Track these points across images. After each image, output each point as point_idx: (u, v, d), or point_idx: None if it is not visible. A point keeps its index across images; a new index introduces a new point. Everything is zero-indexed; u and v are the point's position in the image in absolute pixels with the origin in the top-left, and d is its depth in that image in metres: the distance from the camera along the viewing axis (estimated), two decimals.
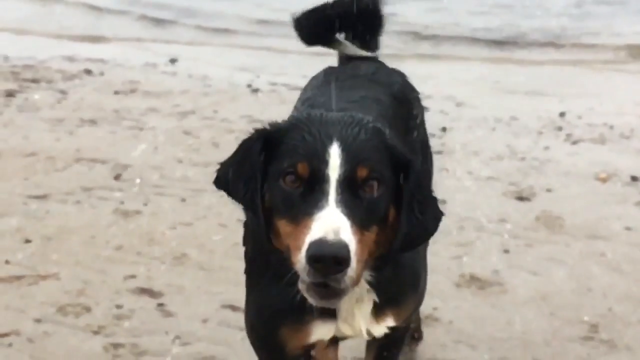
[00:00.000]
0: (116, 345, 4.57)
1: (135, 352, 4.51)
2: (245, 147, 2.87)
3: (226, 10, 14.47)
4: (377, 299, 3.01)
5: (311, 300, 2.64)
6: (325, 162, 2.65)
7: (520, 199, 6.45)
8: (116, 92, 9.58)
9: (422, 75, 9.69)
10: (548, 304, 4.99)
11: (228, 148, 7.96)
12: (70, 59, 11.31)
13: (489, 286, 5.18)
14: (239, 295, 5.06)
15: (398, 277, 3.04)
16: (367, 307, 3.03)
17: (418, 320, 4.58)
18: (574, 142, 7.84)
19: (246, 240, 3.43)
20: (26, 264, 5.43)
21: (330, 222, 2.53)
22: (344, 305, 2.96)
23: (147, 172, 6.98)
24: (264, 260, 3.03)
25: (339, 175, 2.62)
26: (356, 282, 2.61)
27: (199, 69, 10.85)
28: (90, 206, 6.34)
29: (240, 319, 4.83)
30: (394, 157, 2.77)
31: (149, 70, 10.85)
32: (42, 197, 6.48)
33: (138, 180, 6.81)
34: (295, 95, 9.74)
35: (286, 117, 8.80)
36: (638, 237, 5.84)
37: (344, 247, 2.49)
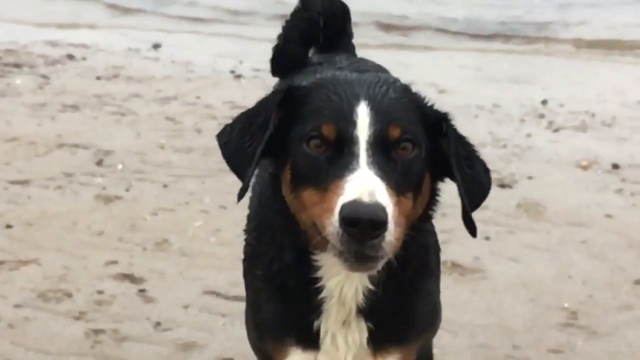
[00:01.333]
0: (97, 331, 4.56)
1: (116, 337, 4.51)
2: (262, 102, 2.65)
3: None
4: (370, 325, 2.72)
5: (345, 266, 2.37)
6: (352, 123, 2.41)
7: (502, 186, 6.47)
8: (98, 78, 9.55)
9: (404, 63, 9.72)
10: (528, 291, 5.01)
11: (210, 134, 7.97)
12: (53, 44, 11.26)
13: (470, 273, 5.20)
14: (221, 281, 5.10)
15: (410, 302, 2.78)
16: (357, 335, 2.74)
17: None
18: (556, 130, 7.87)
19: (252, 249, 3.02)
20: (7, 250, 5.42)
21: (365, 183, 2.30)
22: (330, 327, 2.73)
23: (129, 158, 6.96)
24: (263, 264, 2.80)
25: (369, 137, 2.40)
26: (395, 249, 2.35)
27: (182, 54, 10.83)
28: (71, 192, 6.32)
29: (221, 304, 4.85)
30: (426, 117, 2.55)
31: (132, 55, 10.82)
32: (24, 183, 6.46)
33: (120, 166, 6.80)
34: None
35: None
36: (618, 224, 5.87)
37: (381, 208, 2.24)
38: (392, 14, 12.76)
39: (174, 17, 13.82)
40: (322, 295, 2.68)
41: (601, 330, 4.63)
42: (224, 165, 7.28)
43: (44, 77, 9.53)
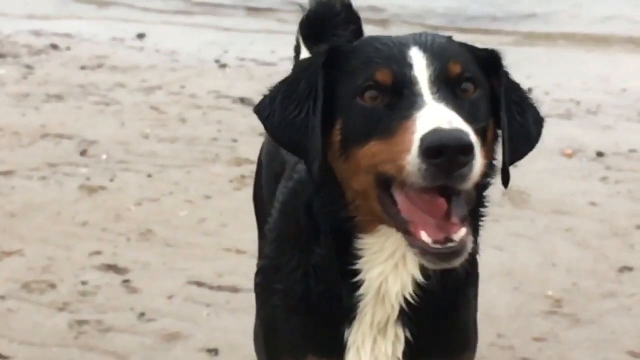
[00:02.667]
0: (81, 322, 4.55)
1: (101, 328, 4.50)
2: (303, 66, 2.42)
3: None
4: (410, 337, 2.44)
5: (428, 263, 2.14)
6: (409, 66, 2.21)
7: None
8: (83, 68, 9.51)
9: None
10: (513, 279, 5.02)
11: (195, 124, 7.95)
12: (37, 33, 11.20)
13: None
14: (205, 272, 5.09)
15: (457, 308, 2.53)
16: (391, 345, 2.46)
17: None
18: None
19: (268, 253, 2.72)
20: None
21: (439, 113, 2.09)
22: (361, 335, 2.45)
23: (113, 148, 6.94)
24: (284, 275, 2.54)
25: (430, 76, 2.20)
26: (480, 177, 2.12)
27: (167, 44, 10.79)
28: (55, 182, 6.30)
29: (205, 294, 4.85)
30: (479, 59, 2.35)
31: (117, 45, 10.78)
32: (7, 173, 6.43)
33: (104, 156, 6.78)
34: (263, 71, 9.76)
35: (255, 92, 8.64)
36: (603, 212, 5.88)
37: (465, 132, 2.02)
38: (370, 6, 12.76)
39: (159, 7, 13.77)
40: (359, 292, 2.38)
41: (585, 318, 4.64)
42: (208, 155, 7.30)
43: (28, 67, 9.48)
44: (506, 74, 2.40)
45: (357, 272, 2.37)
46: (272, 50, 10.08)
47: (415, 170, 2.03)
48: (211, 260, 5.17)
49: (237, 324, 4.48)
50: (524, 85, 8.30)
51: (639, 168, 6.66)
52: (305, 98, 2.30)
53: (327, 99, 2.29)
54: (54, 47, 10.42)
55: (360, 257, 2.35)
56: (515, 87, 2.43)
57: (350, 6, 3.56)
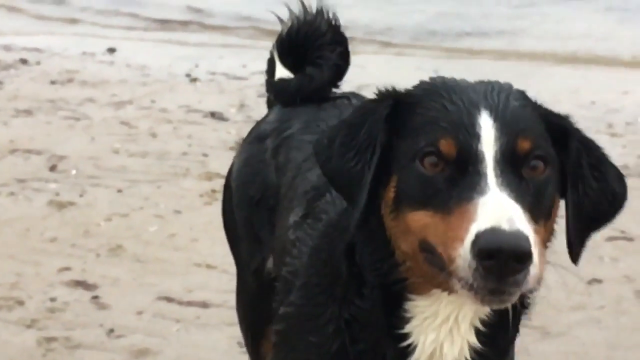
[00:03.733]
0: (49, 339, 4.52)
1: (69, 345, 4.47)
2: (366, 110, 2.31)
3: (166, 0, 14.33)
4: None
5: (475, 300, 2.02)
6: (476, 136, 2.09)
7: None
8: (52, 82, 9.46)
9: (359, 65, 9.72)
10: None
11: (166, 138, 7.93)
12: (6, 48, 11.13)
13: None
14: (175, 287, 5.07)
15: None
16: None
17: None
18: None
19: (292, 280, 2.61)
20: None
21: (501, 207, 1.98)
22: None
23: (83, 163, 6.90)
24: (317, 326, 2.39)
25: (496, 152, 2.07)
26: (539, 282, 2.05)
27: (137, 58, 10.75)
28: (24, 198, 6.26)
29: (175, 310, 4.83)
30: (550, 126, 2.23)
31: (87, 59, 10.73)
32: None
33: (74, 171, 6.75)
34: (234, 85, 9.74)
35: (225, 106, 8.66)
36: None
37: (524, 238, 1.93)
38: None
39: (130, 21, 13.73)
40: (410, 358, 2.25)
41: (554, 331, 4.66)
42: (179, 169, 7.28)
43: None
44: (580, 139, 2.27)
45: (405, 335, 2.25)
46: (243, 64, 10.08)
47: (466, 266, 1.95)
48: (181, 275, 5.15)
49: (206, 339, 4.47)
50: None
51: None
52: (364, 149, 2.21)
53: (386, 150, 2.20)
54: (23, 61, 10.37)
55: (409, 320, 2.24)
56: (591, 149, 2.29)
57: (337, 27, 3.42)
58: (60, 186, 6.46)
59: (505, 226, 1.93)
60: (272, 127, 3.27)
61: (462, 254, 1.95)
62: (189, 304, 4.84)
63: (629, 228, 5.71)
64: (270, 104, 3.57)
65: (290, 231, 2.77)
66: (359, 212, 2.19)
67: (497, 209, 1.97)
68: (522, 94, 2.28)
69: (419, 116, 2.19)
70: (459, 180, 2.06)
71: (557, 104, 8.85)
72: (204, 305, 4.82)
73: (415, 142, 2.14)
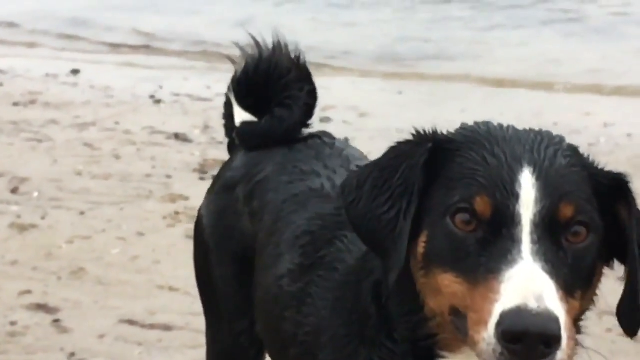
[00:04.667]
0: None
1: None
2: (401, 152, 2.17)
3: (128, 23, 14.32)
4: None
5: None
6: (514, 196, 1.94)
7: None
8: (15, 104, 9.40)
9: (324, 86, 9.74)
10: None
11: (129, 160, 7.89)
12: None
13: None
14: (137, 310, 5.03)
15: None
16: None
17: None
18: None
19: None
20: None
21: (531, 283, 1.84)
22: None
23: (45, 185, 6.85)
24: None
25: (534, 216, 1.92)
26: None
27: (101, 80, 10.71)
28: None
29: (137, 333, 4.79)
30: (600, 185, 2.07)
31: (50, 81, 10.69)
32: None
33: (36, 194, 6.69)
34: (198, 106, 9.73)
35: (189, 127, 8.59)
36: None
37: (554, 319, 1.80)
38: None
39: (94, 43, 13.69)
40: None
41: None
42: (141, 191, 7.23)
43: None
44: (634, 200, 2.10)
45: None
46: (207, 85, 10.06)
47: (490, 350, 1.83)
48: (143, 298, 5.12)
49: None
50: (458, 119, 8.36)
51: None
52: (398, 196, 2.07)
53: (420, 198, 2.07)
54: None
55: None
56: None
57: (301, 63, 3.19)
58: (21, 208, 6.41)
59: (533, 305, 1.80)
60: (241, 173, 3.07)
61: (486, 338, 1.84)
62: (152, 327, 4.81)
63: None
64: (231, 149, 3.34)
65: (285, 281, 2.61)
66: (398, 267, 2.04)
67: (525, 284, 1.84)
68: (572, 150, 2.11)
69: (457, 166, 2.05)
70: (492, 243, 1.92)
71: (520, 126, 8.88)
72: (167, 328, 4.79)
73: (449, 195, 2.00)
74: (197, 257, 3.22)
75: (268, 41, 3.22)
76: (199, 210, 3.20)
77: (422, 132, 2.20)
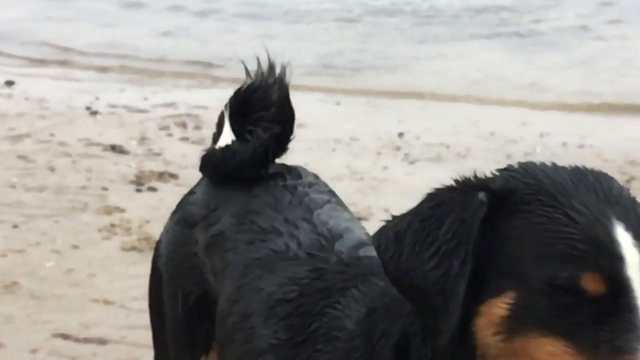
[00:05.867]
0: None
1: None
2: (444, 201, 1.97)
3: (64, 33, 14.16)
4: None
5: None
6: (620, 260, 1.77)
7: (359, 219, 6.49)
8: None
9: None
10: None
11: (65, 172, 7.77)
12: None
13: None
14: (71, 324, 4.96)
15: None
16: None
17: None
18: (412, 162, 7.98)
19: None
20: None
21: None
22: None
23: None
24: None
25: None
26: None
27: (36, 91, 10.55)
28: None
29: (71, 347, 4.71)
30: None
31: None
32: None
33: None
34: (135, 118, 9.63)
35: (126, 139, 8.49)
36: None
37: None
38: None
39: (29, 54, 13.52)
40: None
41: None
42: (77, 203, 7.14)
43: None
44: None
45: None
46: (144, 97, 9.97)
47: None
48: (78, 311, 5.04)
49: None
50: (395, 129, 8.42)
51: None
52: (448, 253, 1.88)
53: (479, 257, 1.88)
54: None
55: None
56: None
57: (286, 102, 2.95)
58: None
59: None
60: (200, 213, 2.86)
61: None
62: (86, 340, 4.74)
63: None
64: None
65: (268, 357, 2.40)
66: (451, 330, 1.86)
67: None
68: (624, 187, 1.97)
69: (537, 226, 1.84)
70: (608, 314, 1.75)
71: (457, 135, 9.01)
72: (101, 341, 4.73)
73: (546, 266, 1.80)
74: (151, 281, 3.06)
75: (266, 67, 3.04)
76: (161, 234, 3.06)
77: (468, 178, 1.97)
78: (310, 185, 2.86)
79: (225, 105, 3.06)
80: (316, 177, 2.97)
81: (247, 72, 3.05)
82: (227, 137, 3.01)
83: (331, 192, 2.89)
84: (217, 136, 3.11)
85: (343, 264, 2.45)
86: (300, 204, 2.73)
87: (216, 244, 2.76)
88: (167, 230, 3.01)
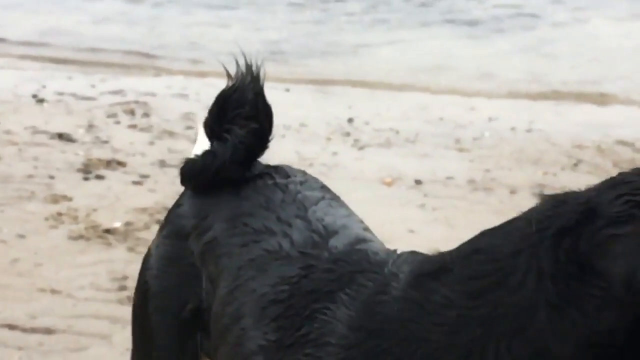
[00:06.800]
0: None
1: None
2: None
3: (6, 18, 13.98)
4: None
5: None
6: None
7: None
8: None
9: (210, 84, 9.67)
10: None
11: (10, 161, 7.65)
12: None
13: None
14: (17, 313, 4.90)
15: None
16: None
17: None
18: (361, 148, 7.98)
19: None
20: None
21: None
22: None
23: None
24: None
25: None
26: None
27: None
28: None
29: (17, 337, 4.65)
30: None
31: None
32: None
33: None
34: (83, 105, 9.52)
35: (73, 127, 8.37)
36: (421, 239, 5.99)
37: None
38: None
39: None
40: None
41: None
42: (23, 192, 7.07)
43: None
44: None
45: None
46: (92, 84, 9.87)
47: None
48: (24, 301, 4.98)
49: None
50: (345, 115, 8.40)
51: (455, 195, 6.83)
52: None
53: None
54: None
55: None
56: None
57: (261, 98, 2.84)
58: None
59: None
60: (191, 223, 2.76)
61: None
62: (33, 330, 4.68)
63: None
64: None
65: (256, 358, 2.30)
66: None
67: None
68: None
69: None
70: None
71: (406, 121, 9.01)
72: (48, 331, 4.67)
73: None
74: (138, 293, 2.93)
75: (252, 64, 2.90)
76: (150, 246, 2.93)
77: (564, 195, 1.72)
78: (302, 182, 2.74)
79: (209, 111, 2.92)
80: (304, 173, 2.84)
81: (228, 74, 2.92)
82: (202, 145, 2.89)
83: (324, 188, 2.77)
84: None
85: (332, 260, 2.33)
86: (293, 202, 2.63)
87: (210, 251, 2.66)
88: (157, 245, 2.87)
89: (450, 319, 1.77)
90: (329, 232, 2.49)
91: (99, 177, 6.89)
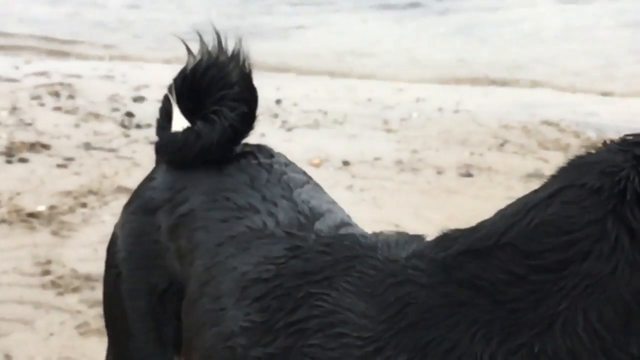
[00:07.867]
0: None
1: None
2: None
3: None
4: None
5: None
6: None
7: None
8: None
9: (137, 66, 9.57)
10: None
11: None
12: None
13: None
14: None
15: None
16: None
17: None
18: (289, 129, 7.97)
19: None
20: None
21: None
22: None
23: None
24: None
25: None
26: None
27: None
28: None
29: None
30: None
31: None
32: None
33: None
34: (6, 87, 9.33)
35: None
36: None
37: None
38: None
39: None
40: None
41: None
42: None
43: None
44: None
45: None
46: (15, 65, 9.69)
47: None
48: None
49: None
50: (273, 97, 8.36)
51: (383, 175, 6.85)
52: None
53: None
54: None
55: None
56: None
57: (249, 80, 2.82)
58: None
59: None
60: (163, 197, 2.65)
61: None
62: None
63: (402, 221, 5.85)
64: (158, 158, 2.88)
65: (240, 342, 2.17)
66: None
67: None
68: None
69: None
70: None
71: (335, 102, 8.98)
72: None
73: None
74: (107, 280, 2.79)
75: (227, 45, 2.86)
76: (114, 228, 2.80)
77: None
78: (286, 164, 2.72)
79: (169, 88, 2.84)
80: (286, 157, 2.83)
81: (189, 50, 2.86)
82: (180, 121, 2.81)
83: (306, 174, 2.76)
84: (162, 122, 2.88)
85: (323, 243, 2.24)
86: (279, 182, 2.58)
87: (184, 224, 2.54)
88: (122, 223, 2.75)
89: (522, 296, 1.69)
90: (315, 215, 2.44)
91: (23, 160, 6.76)
